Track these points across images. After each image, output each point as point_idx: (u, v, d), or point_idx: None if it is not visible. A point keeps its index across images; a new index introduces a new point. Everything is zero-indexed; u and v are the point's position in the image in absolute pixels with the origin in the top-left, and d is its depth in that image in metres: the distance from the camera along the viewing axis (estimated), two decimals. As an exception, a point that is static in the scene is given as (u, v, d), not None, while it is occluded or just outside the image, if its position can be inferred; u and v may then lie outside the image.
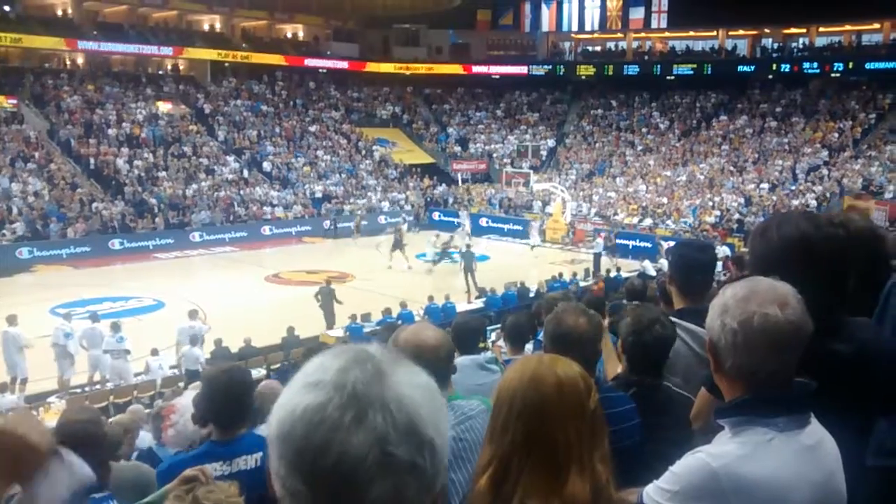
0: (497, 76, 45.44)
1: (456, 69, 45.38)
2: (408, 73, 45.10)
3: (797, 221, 1.97)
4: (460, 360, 3.62)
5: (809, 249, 1.88)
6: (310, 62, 42.99)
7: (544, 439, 1.46)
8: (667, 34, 43.59)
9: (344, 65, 44.04)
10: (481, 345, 4.68)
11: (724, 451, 1.59)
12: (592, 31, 44.96)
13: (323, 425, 0.84)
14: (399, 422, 0.85)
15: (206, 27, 42.15)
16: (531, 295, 17.54)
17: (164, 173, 30.79)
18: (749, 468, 1.54)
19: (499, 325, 10.20)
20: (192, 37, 39.88)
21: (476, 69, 45.33)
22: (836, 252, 1.91)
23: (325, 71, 43.38)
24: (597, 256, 24.33)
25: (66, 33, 34.94)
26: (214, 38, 40.93)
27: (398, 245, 24.28)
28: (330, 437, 0.83)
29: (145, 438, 5.69)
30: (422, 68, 45.16)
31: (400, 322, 14.24)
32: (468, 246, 22.46)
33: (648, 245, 26.37)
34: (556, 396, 1.49)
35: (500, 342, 7.44)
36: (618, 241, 27.33)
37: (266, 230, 30.09)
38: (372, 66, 44.71)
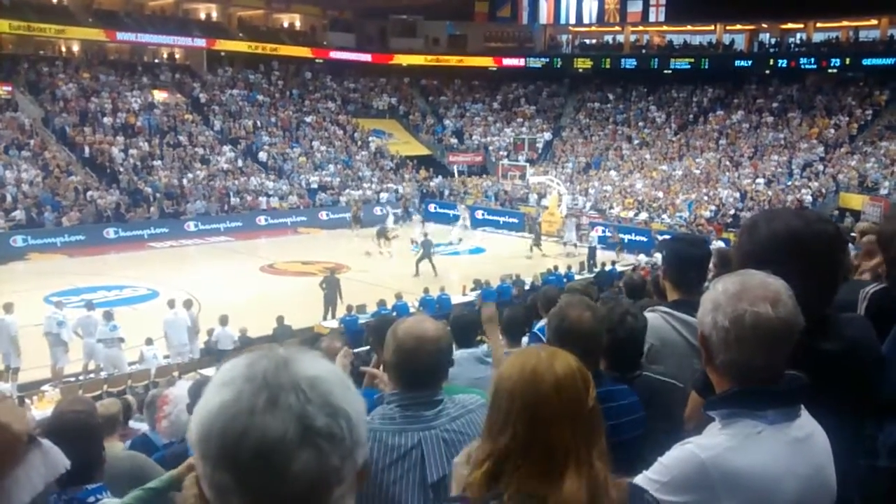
0: (494, 68, 45.36)
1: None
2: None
3: (787, 217, 1.97)
4: (458, 353, 3.63)
5: (799, 245, 1.87)
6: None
7: (542, 439, 1.44)
8: (664, 28, 43.53)
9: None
10: (479, 338, 4.69)
11: (714, 442, 1.60)
12: (590, 24, 44.83)
13: (240, 414, 0.88)
14: (313, 398, 0.90)
15: (202, 16, 41.94)
16: (526, 288, 17.58)
17: (159, 162, 30.69)
18: (738, 460, 1.55)
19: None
20: (188, 25, 39.70)
21: (473, 61, 45.34)
22: (825, 249, 1.91)
23: (321, 61, 43.27)
24: (591, 250, 24.37)
25: (63, 20, 34.74)
26: (211, 27, 40.77)
27: (381, 232, 25.30)
28: (248, 422, 0.88)
29: (142, 427, 5.71)
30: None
31: (395, 314, 14.27)
32: (425, 234, 23.47)
33: (644, 239, 26.41)
34: (554, 396, 1.46)
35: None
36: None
37: (261, 220, 30.01)
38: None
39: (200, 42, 38.59)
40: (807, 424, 1.64)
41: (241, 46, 39.82)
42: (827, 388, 1.64)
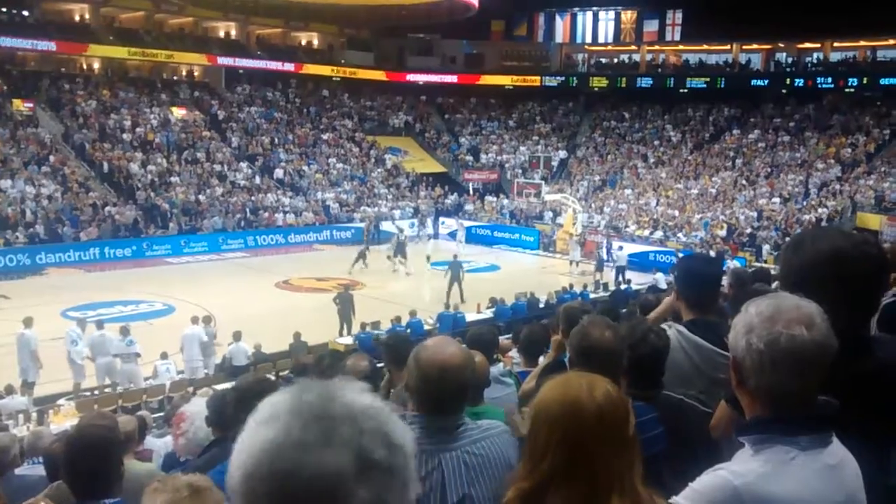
0: (510, 86, 45.53)
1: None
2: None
3: (833, 237, 1.97)
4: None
5: (842, 266, 1.88)
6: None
7: (584, 466, 1.44)
8: (680, 47, 43.58)
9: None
10: (495, 356, 4.67)
11: (747, 468, 1.57)
12: (606, 44, 44.99)
13: (291, 449, 0.83)
14: (368, 429, 0.86)
15: (221, 34, 42.42)
16: (541, 306, 17.52)
17: (177, 178, 30.96)
18: (771, 487, 1.53)
19: (508, 336, 10.18)
20: (207, 43, 40.17)
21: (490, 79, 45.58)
22: (867, 270, 1.91)
23: (338, 79, 43.63)
24: (619, 269, 24.15)
25: (84, 38, 35.27)
26: (230, 45, 41.23)
27: (400, 250, 24.99)
28: (301, 458, 0.82)
29: (156, 443, 5.71)
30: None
31: (409, 330, 14.23)
32: (455, 256, 22.48)
33: (666, 259, 26.09)
34: (596, 425, 1.46)
35: (511, 353, 7.43)
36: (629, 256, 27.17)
37: (277, 236, 30.18)
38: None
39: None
40: (838, 450, 1.62)
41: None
42: (859, 408, 1.62)
